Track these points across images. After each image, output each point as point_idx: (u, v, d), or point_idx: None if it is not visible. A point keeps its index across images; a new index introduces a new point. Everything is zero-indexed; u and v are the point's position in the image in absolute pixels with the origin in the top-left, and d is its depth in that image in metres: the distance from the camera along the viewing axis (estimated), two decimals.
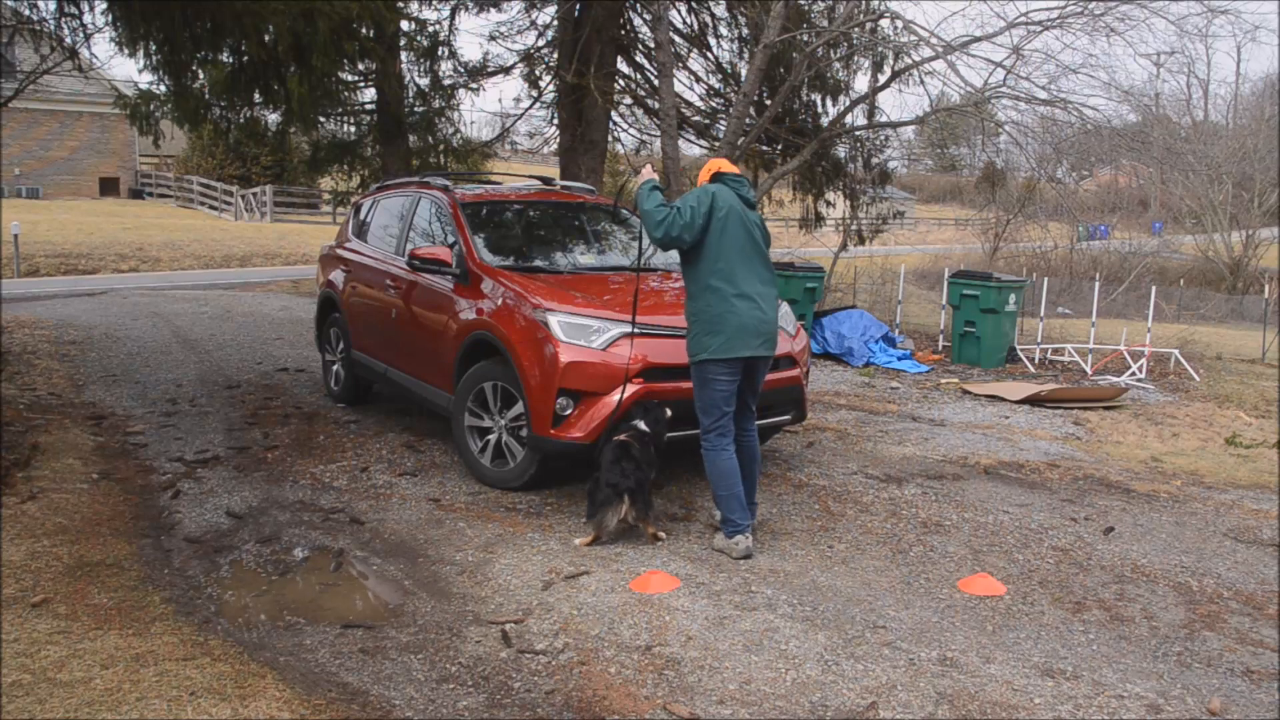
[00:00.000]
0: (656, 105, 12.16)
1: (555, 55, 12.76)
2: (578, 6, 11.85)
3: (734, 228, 4.49)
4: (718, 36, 13.56)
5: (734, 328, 4.43)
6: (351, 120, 12.73)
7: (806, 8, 12.34)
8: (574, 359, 5.00)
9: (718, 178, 4.64)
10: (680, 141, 12.65)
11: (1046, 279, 15.65)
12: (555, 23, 12.66)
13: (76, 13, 7.61)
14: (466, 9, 12.37)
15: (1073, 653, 3.69)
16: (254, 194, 29.52)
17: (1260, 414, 8.49)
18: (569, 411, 5.03)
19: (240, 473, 5.65)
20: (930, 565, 4.55)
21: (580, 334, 5.08)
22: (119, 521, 4.79)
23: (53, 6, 8.44)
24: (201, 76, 8.56)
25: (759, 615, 3.88)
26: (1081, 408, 8.40)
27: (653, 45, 12.54)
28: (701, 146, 14.41)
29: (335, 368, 7.53)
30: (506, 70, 13.13)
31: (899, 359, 10.48)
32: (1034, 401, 8.51)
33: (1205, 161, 26.96)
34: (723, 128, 12.51)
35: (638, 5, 12.65)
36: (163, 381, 8.03)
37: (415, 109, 12.36)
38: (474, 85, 12.89)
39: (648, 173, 4.72)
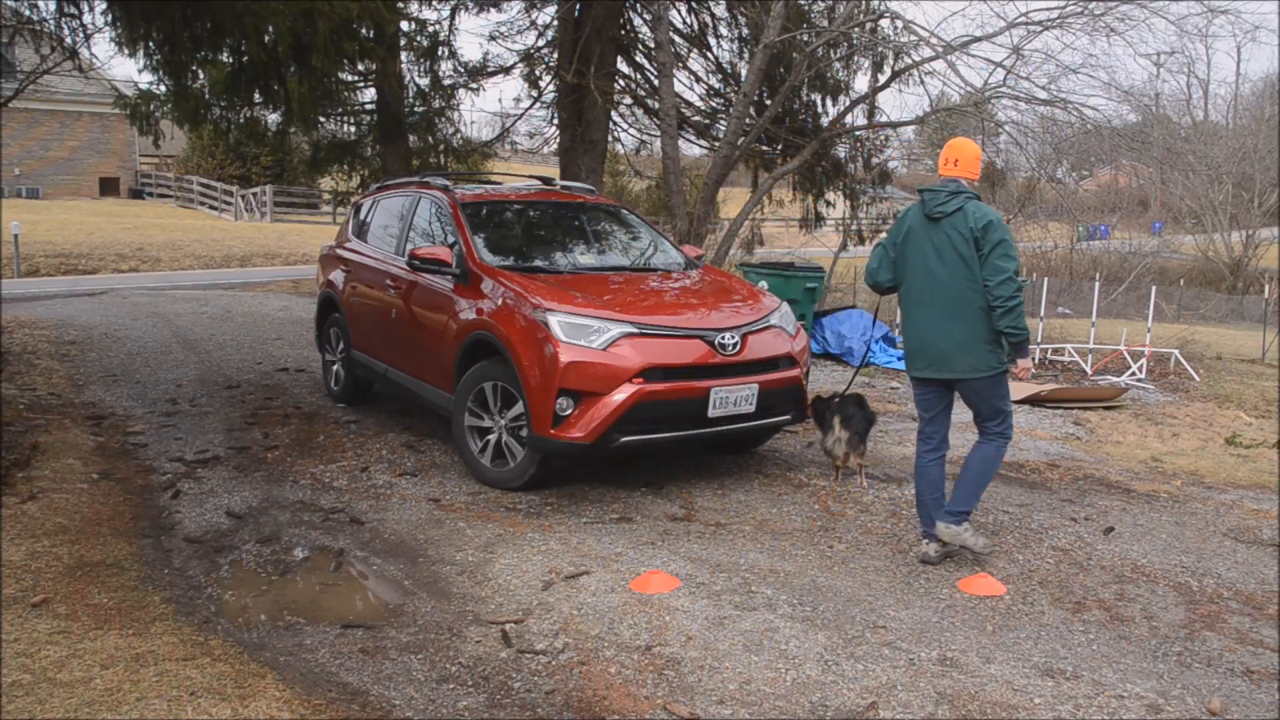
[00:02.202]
0: (656, 105, 12.17)
1: (555, 55, 12.77)
2: (578, 6, 11.85)
3: (911, 251, 4.48)
4: (718, 36, 13.59)
5: (906, 346, 4.61)
6: (351, 120, 12.73)
7: (806, 8, 12.35)
8: (574, 359, 5.00)
9: (921, 191, 4.49)
10: (680, 141, 12.66)
11: (1046, 279, 15.63)
12: (555, 23, 12.67)
13: (76, 13, 7.61)
14: (466, 9, 12.38)
15: (1073, 653, 3.69)
16: (254, 194, 29.53)
17: (1260, 414, 8.49)
18: (569, 411, 5.03)
19: (240, 473, 5.65)
20: (930, 565, 4.55)
21: (580, 334, 5.09)
22: (119, 521, 4.79)
23: (53, 6, 8.45)
24: (201, 76, 8.55)
25: (759, 615, 3.88)
26: (1081, 408, 8.40)
27: (653, 45, 12.55)
28: (701, 146, 14.43)
29: (335, 368, 7.53)
30: (506, 70, 13.14)
31: (899, 359, 10.47)
32: (1034, 401, 8.51)
33: (1205, 161, 26.96)
34: (723, 128, 12.53)
35: (638, 5, 12.66)
36: (163, 381, 8.03)
37: (415, 109, 12.36)
38: (474, 85, 12.91)
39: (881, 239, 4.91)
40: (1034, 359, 10.68)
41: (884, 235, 4.67)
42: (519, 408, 5.25)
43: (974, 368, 4.36)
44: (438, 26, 12.07)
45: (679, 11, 13.17)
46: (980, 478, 4.51)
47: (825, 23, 11.69)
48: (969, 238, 4.28)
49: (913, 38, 11.13)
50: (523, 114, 14.15)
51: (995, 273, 4.24)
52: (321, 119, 11.41)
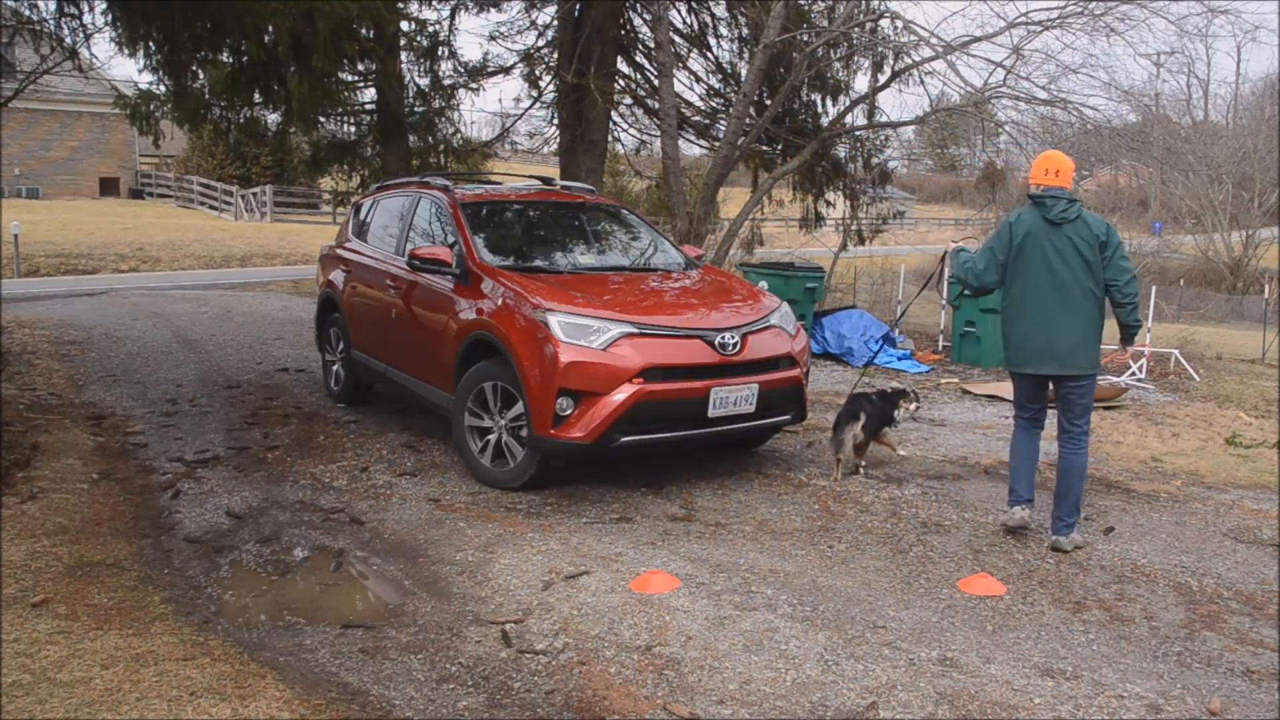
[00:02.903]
0: (656, 105, 12.17)
1: (555, 55, 12.76)
2: (578, 6, 11.85)
3: (1029, 254, 4.69)
4: (718, 36, 13.59)
5: (1015, 346, 4.81)
6: (351, 120, 12.72)
7: (806, 8, 12.35)
8: (574, 359, 5.00)
9: (1031, 198, 4.76)
10: (680, 141, 12.66)
11: None
12: (555, 23, 12.67)
13: (76, 13, 7.60)
14: (466, 9, 12.37)
15: (1073, 653, 3.69)
16: (254, 194, 29.53)
17: (1260, 414, 8.49)
18: (569, 411, 5.03)
19: (240, 473, 5.65)
20: (930, 565, 4.55)
21: (580, 334, 5.09)
22: (119, 521, 4.79)
23: (53, 6, 8.44)
24: (201, 76, 8.55)
25: (759, 615, 3.88)
26: None
27: (653, 45, 12.55)
28: (701, 146, 14.43)
29: (335, 368, 7.53)
30: (506, 70, 13.14)
31: (899, 359, 10.47)
32: None
33: (1205, 161, 26.94)
34: (723, 128, 12.52)
35: (638, 5, 12.66)
36: (163, 381, 8.03)
37: (415, 109, 12.36)
38: (474, 85, 12.90)
39: (953, 246, 5.24)
40: None
41: (962, 240, 5.03)
42: (519, 408, 5.25)
43: (1090, 364, 4.72)
44: (438, 26, 12.07)
45: (679, 11, 13.16)
46: (1082, 483, 4.85)
47: (825, 23, 11.69)
48: (1093, 243, 4.62)
49: (913, 38, 11.13)
50: (523, 114, 14.16)
51: (1121, 273, 4.64)
52: (321, 119, 11.39)
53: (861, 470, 5.93)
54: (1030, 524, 4.92)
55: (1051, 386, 4.92)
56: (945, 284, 11.17)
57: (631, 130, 14.85)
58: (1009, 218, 4.84)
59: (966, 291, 5.08)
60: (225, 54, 7.42)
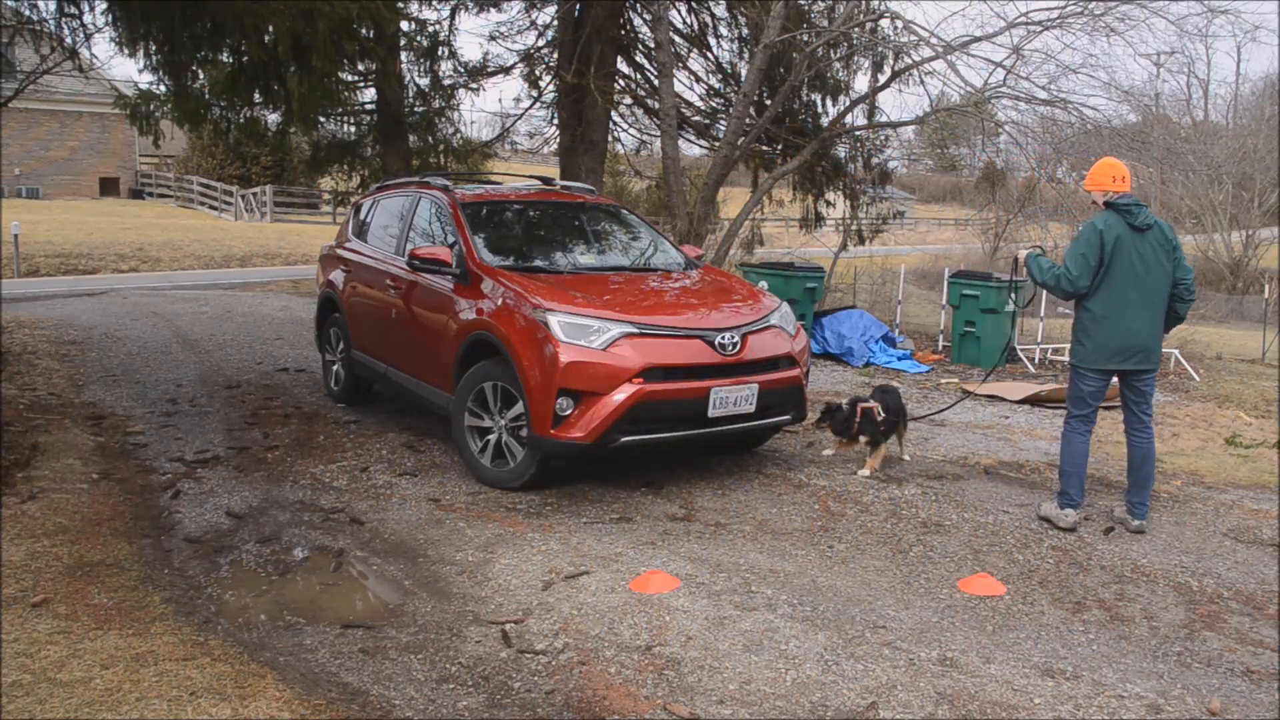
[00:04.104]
0: (656, 105, 12.17)
1: (555, 55, 12.77)
2: (578, 6, 11.85)
3: (1119, 259, 4.93)
4: (718, 36, 13.59)
5: (1100, 345, 5.00)
6: (351, 120, 12.72)
7: (806, 8, 12.35)
8: (574, 359, 5.00)
9: (1110, 205, 4.98)
10: (680, 141, 12.66)
11: None
12: (555, 23, 12.67)
13: (76, 13, 7.61)
14: (466, 9, 12.38)
15: (1073, 653, 3.69)
16: (254, 194, 29.53)
17: (1260, 414, 8.49)
18: (569, 411, 5.03)
19: (240, 473, 5.65)
20: (930, 565, 4.55)
21: (580, 334, 5.08)
22: (119, 521, 4.79)
23: (53, 6, 8.45)
24: (201, 76, 8.55)
25: (759, 615, 3.88)
26: None
27: (653, 45, 12.55)
28: (701, 146, 14.43)
29: (335, 368, 7.53)
30: (506, 70, 13.14)
31: (899, 359, 10.47)
32: (1034, 401, 8.51)
33: (1205, 161, 26.93)
34: (723, 128, 12.53)
35: (638, 5, 12.66)
36: (163, 381, 8.03)
37: (415, 109, 12.36)
38: (474, 85, 12.90)
39: (1024, 253, 5.42)
40: (1034, 359, 10.69)
41: (1070, 250, 5.12)
42: (519, 408, 5.25)
43: (1159, 357, 5.13)
44: (438, 26, 12.08)
45: (679, 11, 13.17)
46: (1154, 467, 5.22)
47: (825, 23, 11.69)
48: (1168, 247, 4.99)
49: (913, 38, 11.14)
50: (523, 114, 14.16)
51: (1188, 273, 5.07)
52: (321, 119, 11.40)
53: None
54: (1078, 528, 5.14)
55: (1115, 381, 5.15)
56: (945, 285, 11.16)
57: (631, 130, 14.87)
58: (1096, 224, 4.98)
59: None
60: (225, 54, 7.42)
